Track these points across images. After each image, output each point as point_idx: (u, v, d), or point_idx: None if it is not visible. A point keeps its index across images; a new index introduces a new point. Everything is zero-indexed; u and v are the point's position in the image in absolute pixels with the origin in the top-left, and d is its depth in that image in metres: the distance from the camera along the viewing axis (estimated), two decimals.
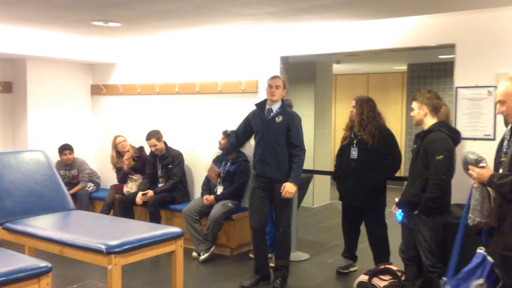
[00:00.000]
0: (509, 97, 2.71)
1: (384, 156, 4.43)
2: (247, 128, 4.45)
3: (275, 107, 4.29)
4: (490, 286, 2.93)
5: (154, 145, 5.67)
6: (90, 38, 6.07)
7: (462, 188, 3.77)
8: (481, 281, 2.94)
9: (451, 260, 3.23)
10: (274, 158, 4.22)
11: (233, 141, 4.66)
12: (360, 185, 4.42)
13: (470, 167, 2.81)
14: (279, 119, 4.23)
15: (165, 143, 5.77)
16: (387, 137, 4.49)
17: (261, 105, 4.38)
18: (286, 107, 4.33)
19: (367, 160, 4.41)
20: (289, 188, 4.13)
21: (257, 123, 4.33)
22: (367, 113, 4.45)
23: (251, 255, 5.26)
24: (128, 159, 5.92)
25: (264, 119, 4.29)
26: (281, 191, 4.14)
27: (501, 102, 2.75)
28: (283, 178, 4.20)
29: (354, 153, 4.48)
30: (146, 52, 6.35)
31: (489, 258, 2.90)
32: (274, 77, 4.34)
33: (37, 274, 2.43)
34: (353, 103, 4.54)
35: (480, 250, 2.96)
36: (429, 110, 3.49)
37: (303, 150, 4.24)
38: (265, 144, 4.24)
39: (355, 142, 4.48)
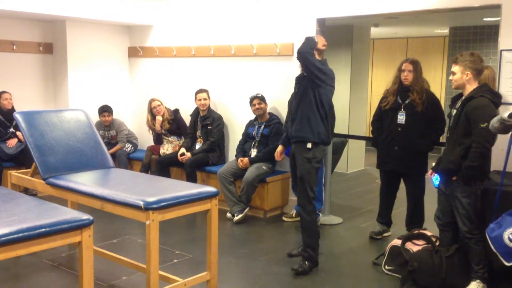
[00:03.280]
0: None
1: (431, 121, 4.35)
2: None
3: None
4: None
5: (205, 99, 5.76)
6: None
7: (503, 155, 3.67)
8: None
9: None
10: (305, 118, 3.83)
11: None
12: (407, 150, 4.35)
13: None
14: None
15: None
16: (434, 102, 4.39)
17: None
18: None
19: (415, 125, 4.33)
20: None
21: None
22: (422, 77, 4.36)
23: (284, 218, 5.32)
24: (159, 121, 6.02)
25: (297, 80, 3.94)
26: None
27: None
28: (305, 136, 3.83)
29: (401, 117, 4.38)
30: (182, 14, 6.34)
31: None
32: None
33: (79, 226, 2.52)
34: (408, 66, 4.35)
35: None
36: (473, 75, 3.37)
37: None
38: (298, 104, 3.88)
39: (402, 106, 4.38)
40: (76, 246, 2.59)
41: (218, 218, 3.31)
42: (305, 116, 3.81)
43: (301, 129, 3.83)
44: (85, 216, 2.58)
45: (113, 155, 6.07)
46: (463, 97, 3.41)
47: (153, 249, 2.88)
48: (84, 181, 3.40)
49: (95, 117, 6.25)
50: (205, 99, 5.78)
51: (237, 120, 5.92)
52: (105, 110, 6.35)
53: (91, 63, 6.57)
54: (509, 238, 3.00)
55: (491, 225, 3.14)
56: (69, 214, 2.59)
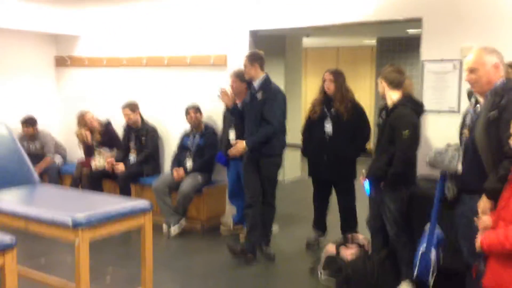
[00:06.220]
0: (482, 66, 2.75)
1: (357, 129, 4.48)
2: None
3: (256, 83, 4.31)
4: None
5: (127, 115, 5.62)
6: (53, 8, 5.86)
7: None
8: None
9: (429, 232, 3.31)
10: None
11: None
12: (336, 158, 4.45)
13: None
14: (259, 95, 4.26)
15: (141, 116, 5.71)
16: (359, 111, 4.53)
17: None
18: (268, 83, 4.32)
19: (342, 134, 4.43)
20: (238, 145, 4.26)
21: (246, 100, 4.38)
22: (345, 87, 4.47)
23: (221, 229, 5.28)
24: (89, 134, 5.85)
25: (250, 95, 4.34)
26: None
27: (472, 69, 2.78)
28: (269, 150, 4.28)
29: (328, 127, 4.47)
30: (112, 24, 6.18)
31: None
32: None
33: (1, 249, 2.37)
34: (329, 76, 4.46)
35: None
36: (387, 84, 3.54)
37: (270, 125, 4.23)
38: (250, 120, 4.28)
39: (329, 116, 4.49)
40: None
41: (154, 231, 3.23)
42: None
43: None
44: (7, 238, 2.43)
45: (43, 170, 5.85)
46: (387, 107, 3.57)
47: (82, 270, 2.75)
48: (7, 199, 3.20)
49: (19, 130, 5.95)
50: (128, 115, 5.62)
51: (171, 131, 5.83)
52: (26, 121, 6.05)
53: (13, 73, 6.24)
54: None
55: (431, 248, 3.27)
56: None
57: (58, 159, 6.24)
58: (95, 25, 6.31)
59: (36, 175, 3.68)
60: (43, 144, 6.14)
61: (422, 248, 3.22)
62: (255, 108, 4.25)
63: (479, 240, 2.40)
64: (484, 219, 2.51)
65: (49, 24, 6.05)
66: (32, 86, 6.47)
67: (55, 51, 6.68)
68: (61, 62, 6.64)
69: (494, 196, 2.51)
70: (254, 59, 4.30)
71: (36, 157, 5.99)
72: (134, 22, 6.02)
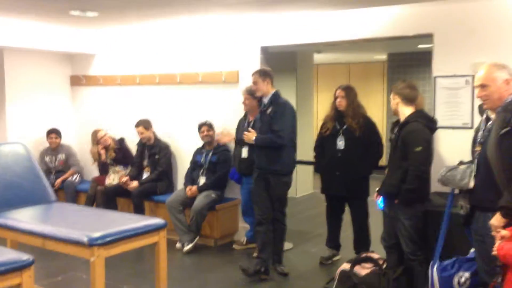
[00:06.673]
0: (493, 82, 2.74)
1: (369, 145, 4.47)
2: None
3: (266, 99, 4.32)
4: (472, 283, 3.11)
5: (141, 133, 5.70)
6: (68, 28, 5.98)
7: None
8: (467, 274, 3.07)
9: (437, 246, 3.31)
10: (269, 149, 4.25)
11: None
12: (349, 175, 4.44)
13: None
14: (269, 110, 4.27)
15: (154, 133, 5.78)
16: (371, 126, 4.53)
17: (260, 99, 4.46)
18: (278, 97, 4.32)
19: (354, 150, 4.42)
20: (250, 134, 4.31)
21: (257, 116, 4.48)
22: (356, 102, 4.48)
23: (234, 246, 5.28)
24: (103, 149, 5.95)
25: (260, 112, 4.38)
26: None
27: (483, 86, 2.77)
28: (279, 169, 4.26)
29: (341, 143, 4.47)
30: (126, 43, 6.28)
31: None
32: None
33: (19, 267, 2.41)
34: (340, 92, 4.48)
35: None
36: (400, 99, 3.54)
37: (280, 137, 4.19)
38: (260, 135, 4.29)
39: (341, 132, 4.50)
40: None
41: (168, 248, 3.25)
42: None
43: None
44: (25, 257, 2.47)
45: (60, 188, 6.01)
46: (400, 122, 3.57)
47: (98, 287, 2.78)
48: (24, 218, 3.25)
49: (36, 149, 6.05)
50: (142, 133, 5.71)
51: (184, 148, 5.87)
52: (52, 131, 6.22)
53: (31, 93, 6.36)
54: (458, 282, 3.16)
55: (444, 263, 3.26)
56: (8, 255, 2.48)
57: (76, 176, 6.34)
58: (109, 44, 6.42)
59: (52, 194, 3.73)
60: (67, 156, 6.29)
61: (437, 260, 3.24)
62: (265, 123, 4.27)
63: (496, 249, 2.37)
64: (503, 232, 2.46)
65: (65, 44, 6.17)
66: (48, 105, 6.58)
67: (71, 70, 6.80)
68: (76, 81, 6.75)
69: (509, 214, 2.48)
70: (266, 75, 4.34)
71: (59, 172, 6.17)
72: (147, 40, 6.11)
